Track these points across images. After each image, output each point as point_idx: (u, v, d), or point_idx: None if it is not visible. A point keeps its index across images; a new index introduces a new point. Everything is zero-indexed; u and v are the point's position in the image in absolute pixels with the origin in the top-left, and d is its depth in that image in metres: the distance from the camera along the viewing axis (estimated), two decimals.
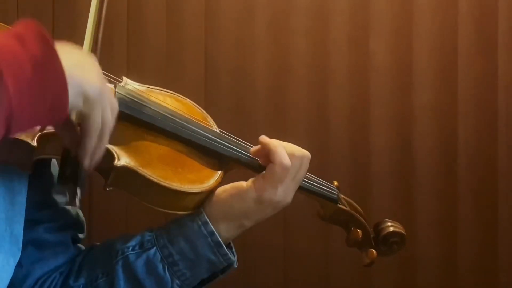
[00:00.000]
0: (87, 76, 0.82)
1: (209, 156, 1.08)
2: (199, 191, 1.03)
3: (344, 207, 1.15)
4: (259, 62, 1.65)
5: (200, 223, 1.04)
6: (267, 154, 1.07)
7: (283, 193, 1.05)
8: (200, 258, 1.04)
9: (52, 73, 0.76)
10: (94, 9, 0.99)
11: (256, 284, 1.63)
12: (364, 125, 1.65)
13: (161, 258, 1.04)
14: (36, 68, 0.75)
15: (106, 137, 0.86)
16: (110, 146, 0.98)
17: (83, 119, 0.84)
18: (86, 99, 0.82)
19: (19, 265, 1.02)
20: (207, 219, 1.04)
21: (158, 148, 1.04)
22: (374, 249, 1.16)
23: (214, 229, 1.03)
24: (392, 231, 1.17)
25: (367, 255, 1.15)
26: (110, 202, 1.61)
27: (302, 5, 1.65)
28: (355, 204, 1.18)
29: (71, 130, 0.87)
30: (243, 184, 1.06)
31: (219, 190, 1.06)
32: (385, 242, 1.17)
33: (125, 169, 0.98)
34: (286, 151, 1.06)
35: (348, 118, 1.65)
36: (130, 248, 1.05)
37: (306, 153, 1.08)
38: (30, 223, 1.03)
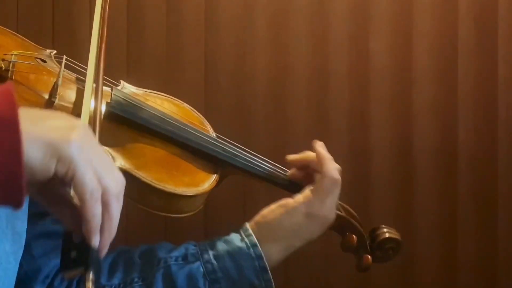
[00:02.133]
0: (52, 129, 0.65)
1: (204, 160, 1.08)
2: (194, 194, 1.03)
3: (339, 213, 1.14)
4: (259, 62, 1.65)
5: (249, 244, 1.03)
6: (314, 165, 1.09)
7: (329, 206, 1.07)
8: (243, 280, 1.03)
9: None
10: (99, 11, 0.99)
11: None
12: (364, 125, 1.65)
13: (203, 273, 1.03)
14: None
15: (114, 201, 0.68)
16: (105, 148, 0.98)
17: (73, 185, 0.66)
18: (60, 158, 0.65)
19: (31, 256, 1.02)
20: (257, 242, 1.03)
21: (153, 151, 1.04)
22: (370, 255, 1.15)
23: (262, 253, 1.03)
24: (388, 237, 1.17)
25: (362, 260, 1.15)
26: None
27: (302, 5, 1.64)
28: (351, 209, 1.17)
29: (66, 204, 0.70)
30: (289, 200, 1.07)
31: (265, 211, 1.07)
32: (381, 248, 1.16)
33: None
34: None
35: (348, 118, 1.65)
36: (173, 258, 1.05)
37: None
38: (36, 217, 1.02)
